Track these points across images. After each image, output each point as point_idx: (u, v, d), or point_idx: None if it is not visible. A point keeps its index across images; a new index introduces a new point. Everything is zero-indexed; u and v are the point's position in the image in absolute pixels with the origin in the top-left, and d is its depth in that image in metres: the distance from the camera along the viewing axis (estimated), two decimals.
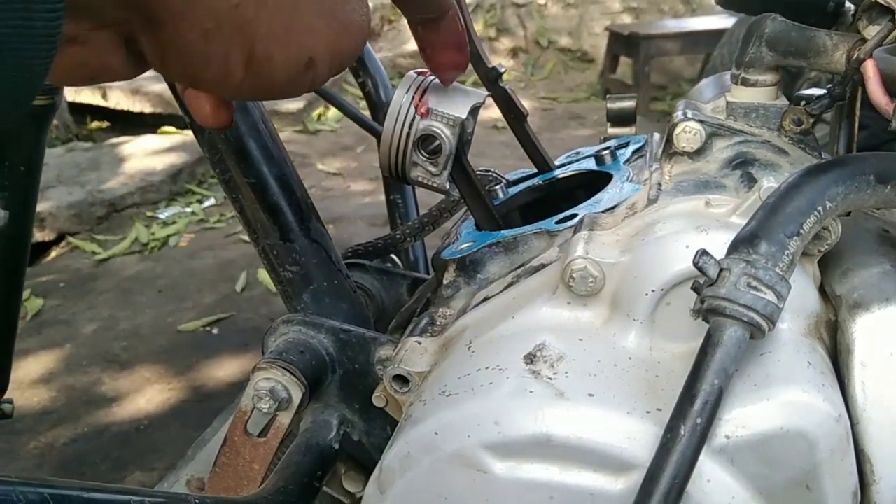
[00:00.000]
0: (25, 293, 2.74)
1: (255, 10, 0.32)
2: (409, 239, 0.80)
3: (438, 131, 0.60)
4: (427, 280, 0.76)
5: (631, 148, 0.69)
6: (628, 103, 0.78)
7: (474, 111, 0.61)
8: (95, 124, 4.75)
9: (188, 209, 3.54)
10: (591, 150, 0.75)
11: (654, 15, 6.00)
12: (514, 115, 0.72)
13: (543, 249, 0.56)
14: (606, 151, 0.67)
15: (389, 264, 0.87)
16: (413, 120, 0.60)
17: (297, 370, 0.63)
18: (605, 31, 5.58)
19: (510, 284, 0.54)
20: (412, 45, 6.10)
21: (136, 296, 2.80)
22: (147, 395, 2.22)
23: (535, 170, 0.76)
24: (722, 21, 5.33)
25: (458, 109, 0.61)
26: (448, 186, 0.63)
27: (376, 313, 0.81)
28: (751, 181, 0.48)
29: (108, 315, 2.66)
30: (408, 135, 0.61)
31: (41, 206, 3.19)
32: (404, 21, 0.53)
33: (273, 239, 0.70)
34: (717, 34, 4.96)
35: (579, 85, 5.65)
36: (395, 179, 0.64)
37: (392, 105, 0.62)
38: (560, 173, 0.71)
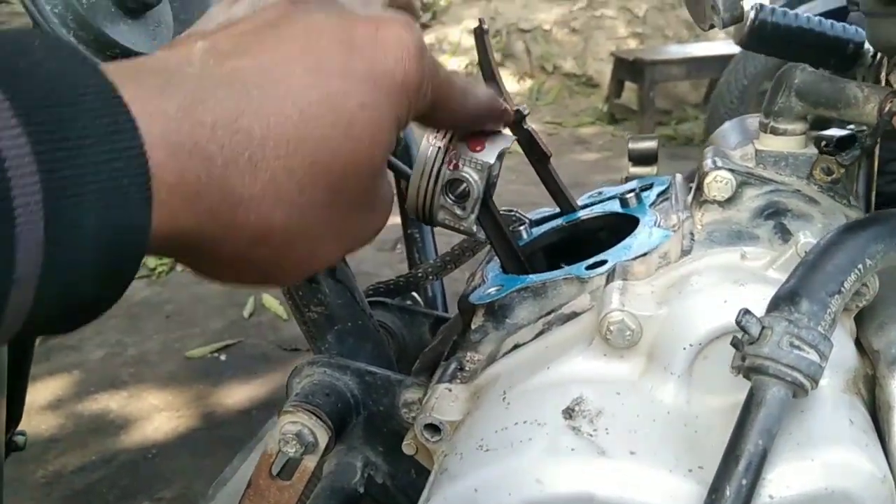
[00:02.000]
0: None
1: (274, 265, 0.36)
2: (430, 277, 0.81)
3: (467, 177, 0.61)
4: (450, 320, 0.76)
5: (655, 190, 0.69)
6: (650, 144, 0.78)
7: (501, 155, 0.62)
8: None
9: None
10: (614, 190, 0.75)
11: (659, 40, 6.05)
12: (538, 157, 0.72)
13: (574, 296, 0.56)
14: (631, 194, 0.67)
15: (409, 301, 0.87)
16: (441, 165, 0.61)
17: (323, 413, 0.63)
18: (610, 56, 5.63)
19: (541, 332, 0.54)
20: None
21: (143, 321, 2.80)
22: (155, 422, 2.21)
23: (557, 209, 0.76)
24: (726, 47, 5.36)
25: (487, 154, 0.61)
26: (474, 229, 0.63)
27: (398, 352, 0.81)
28: (784, 233, 0.49)
29: (115, 341, 2.67)
30: (436, 180, 0.61)
31: None
32: None
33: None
34: (722, 59, 5.00)
35: (584, 110, 5.68)
36: (422, 221, 0.64)
37: (421, 150, 0.62)
38: (584, 215, 0.71)
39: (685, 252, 0.49)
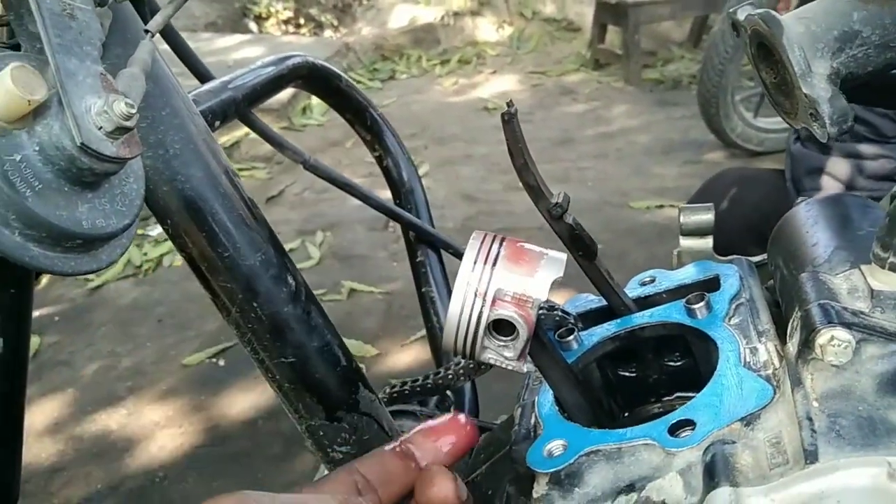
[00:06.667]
0: None
1: None
2: (461, 379, 0.72)
3: (515, 317, 0.51)
4: (490, 439, 0.67)
5: (726, 292, 0.60)
6: (706, 216, 0.69)
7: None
8: None
9: None
10: (670, 277, 0.66)
11: None
12: (583, 253, 0.63)
13: (657, 468, 0.48)
14: (700, 304, 0.58)
15: (440, 397, 0.78)
16: (482, 308, 0.51)
17: None
18: None
19: None
20: (395, 22, 5.92)
21: (135, 327, 2.70)
22: (159, 441, 2.14)
23: (601, 299, 0.67)
24: None
25: (537, 289, 0.51)
26: (526, 369, 0.54)
27: None
28: None
29: (108, 351, 2.57)
30: (478, 321, 0.52)
31: None
32: None
33: (318, 419, 0.61)
34: None
35: (567, 56, 5.51)
36: (464, 358, 0.55)
37: (457, 284, 0.52)
38: (643, 322, 0.62)
39: (809, 454, 0.40)
